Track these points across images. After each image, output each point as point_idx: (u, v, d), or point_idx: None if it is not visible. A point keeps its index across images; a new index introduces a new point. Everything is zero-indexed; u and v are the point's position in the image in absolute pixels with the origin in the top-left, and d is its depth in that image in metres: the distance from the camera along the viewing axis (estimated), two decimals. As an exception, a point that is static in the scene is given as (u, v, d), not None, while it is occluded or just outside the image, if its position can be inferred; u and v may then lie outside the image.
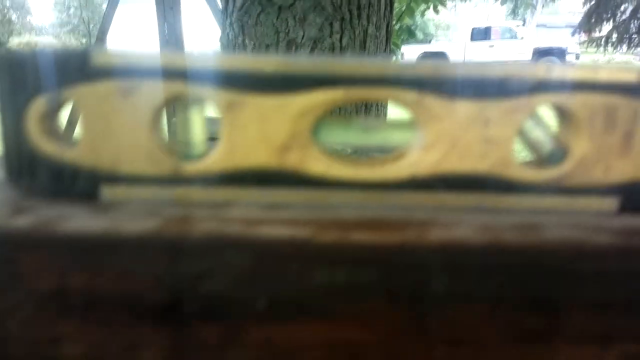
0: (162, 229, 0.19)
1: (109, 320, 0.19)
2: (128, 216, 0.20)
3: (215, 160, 0.22)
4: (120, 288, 0.19)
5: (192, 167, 0.22)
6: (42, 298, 0.19)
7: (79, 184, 0.22)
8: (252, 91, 0.21)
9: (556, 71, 0.22)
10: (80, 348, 0.19)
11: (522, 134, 0.24)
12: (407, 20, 2.62)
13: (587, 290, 0.20)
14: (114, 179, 0.22)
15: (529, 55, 9.49)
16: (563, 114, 0.24)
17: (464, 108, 0.22)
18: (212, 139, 0.23)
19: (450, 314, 0.20)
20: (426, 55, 9.69)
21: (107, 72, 0.21)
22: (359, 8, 1.02)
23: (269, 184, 0.22)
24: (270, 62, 0.21)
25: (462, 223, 0.21)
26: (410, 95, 0.22)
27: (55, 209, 0.21)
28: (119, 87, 0.21)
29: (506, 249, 0.20)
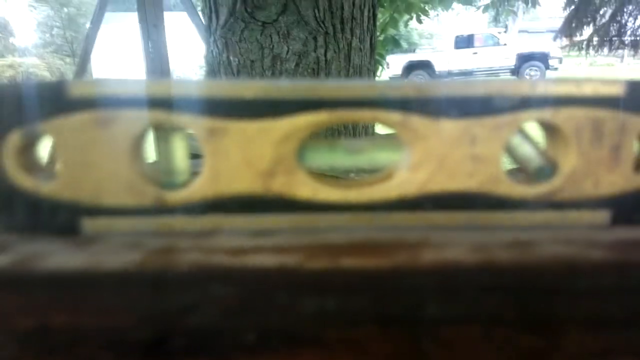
0: (144, 263, 0.19)
1: (93, 359, 0.19)
2: (109, 250, 0.20)
3: (199, 188, 0.21)
4: (103, 326, 0.18)
5: (175, 196, 0.21)
6: (24, 338, 0.19)
7: (58, 218, 0.21)
8: (233, 117, 0.21)
9: (540, 87, 0.22)
10: (64, 389, 0.19)
11: (511, 151, 0.24)
12: (391, 31, 2.64)
13: (583, 306, 0.20)
14: (95, 211, 0.21)
15: (512, 61, 9.60)
16: (549, 129, 0.23)
17: (449, 127, 0.22)
18: (196, 156, 0.22)
19: (445, 336, 0.20)
20: (411, 65, 9.77)
21: (84, 103, 0.20)
22: (342, 22, 1.02)
23: (255, 210, 0.22)
24: (251, 88, 0.21)
25: (454, 243, 0.21)
26: (395, 116, 0.22)
27: (34, 245, 0.20)
28: (96, 118, 0.20)
29: (500, 268, 0.20)
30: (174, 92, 0.20)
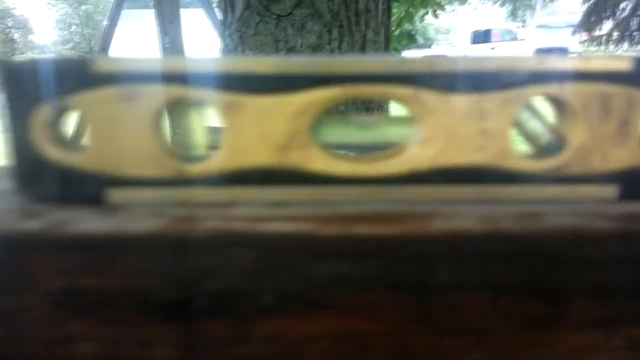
0: (167, 228, 0.20)
1: (119, 319, 0.20)
2: (134, 217, 0.21)
3: (217, 161, 0.22)
4: (129, 287, 0.19)
5: (194, 169, 0.22)
6: (54, 298, 0.20)
7: (85, 188, 0.22)
8: (250, 92, 0.22)
9: (549, 62, 0.22)
10: (92, 347, 0.20)
11: (520, 126, 0.24)
12: (406, 26, 2.63)
13: (590, 275, 0.20)
14: (119, 182, 0.22)
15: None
16: (558, 104, 0.24)
17: (459, 101, 0.22)
18: (214, 147, 0.23)
19: (454, 303, 0.20)
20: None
21: (108, 78, 0.21)
22: (357, 14, 1.03)
23: (271, 182, 0.23)
24: (267, 63, 0.22)
25: (463, 214, 0.22)
26: (406, 90, 0.22)
27: (63, 213, 0.21)
28: (120, 93, 0.21)
29: (507, 237, 0.20)
30: (193, 69, 0.21)
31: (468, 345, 0.20)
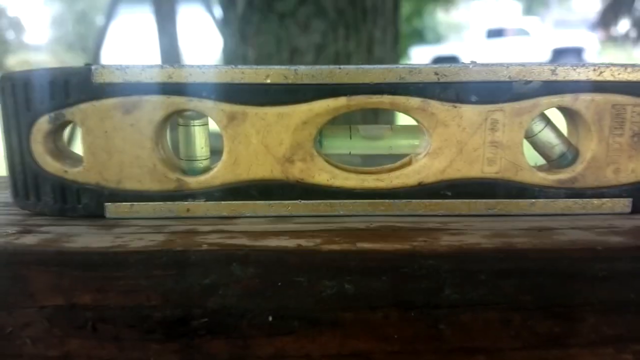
0: (166, 244, 0.19)
1: (118, 336, 0.19)
2: (132, 232, 0.20)
3: (219, 173, 0.22)
4: (128, 304, 0.19)
5: (195, 181, 0.22)
6: (52, 315, 0.19)
7: (83, 202, 0.22)
8: (252, 103, 0.21)
9: (561, 72, 0.22)
10: (90, 365, 0.19)
11: (532, 138, 0.24)
12: (417, 23, 2.62)
13: (601, 292, 0.20)
14: (118, 196, 0.22)
15: (547, 55, 9.30)
16: (570, 115, 0.23)
17: (469, 112, 0.22)
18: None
19: (463, 321, 0.20)
20: (439, 59, 9.55)
21: (108, 90, 0.21)
22: (363, 12, 1.01)
23: (274, 195, 0.22)
24: (269, 74, 0.21)
25: (472, 228, 0.21)
26: (414, 101, 0.22)
27: (61, 227, 0.21)
28: (120, 104, 0.21)
29: (517, 252, 0.20)
30: (195, 79, 0.21)
31: (476, 365, 0.20)
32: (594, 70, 0.22)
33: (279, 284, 0.19)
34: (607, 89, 0.22)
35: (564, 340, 0.20)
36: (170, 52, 2.17)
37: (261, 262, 0.19)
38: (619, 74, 0.22)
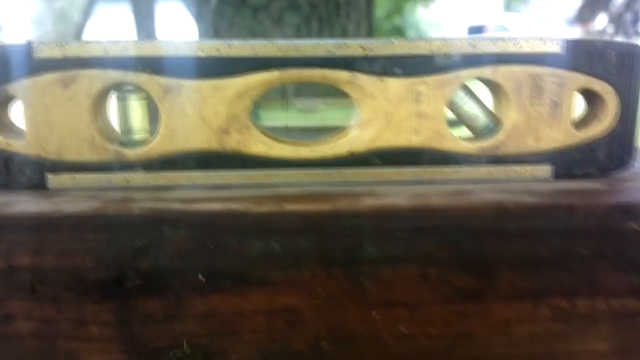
0: (100, 209, 0.20)
1: (56, 297, 0.20)
2: (70, 199, 0.21)
3: (156, 145, 0.23)
4: (64, 266, 0.20)
5: (134, 153, 0.23)
6: None
7: (26, 174, 0.23)
8: (188, 76, 0.22)
9: (481, 46, 0.23)
10: (31, 325, 0.20)
11: (458, 110, 0.25)
12: (397, 20, 2.63)
13: (515, 249, 0.21)
14: (59, 167, 0.23)
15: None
16: (492, 87, 0.25)
17: (395, 85, 0.23)
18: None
19: (384, 276, 0.21)
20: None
21: (48, 65, 0.22)
22: (336, 6, 1.02)
23: (210, 166, 0.23)
24: (204, 47, 0.22)
25: (395, 193, 0.22)
26: (343, 75, 0.23)
27: (3, 197, 0.22)
28: (59, 78, 0.22)
29: (433, 211, 0.21)
30: (131, 53, 0.22)
31: (398, 317, 0.21)
32: (514, 44, 0.23)
33: (210, 245, 0.20)
34: (525, 61, 0.23)
35: (482, 294, 0.21)
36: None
37: (191, 224, 0.20)
38: (536, 46, 0.23)
